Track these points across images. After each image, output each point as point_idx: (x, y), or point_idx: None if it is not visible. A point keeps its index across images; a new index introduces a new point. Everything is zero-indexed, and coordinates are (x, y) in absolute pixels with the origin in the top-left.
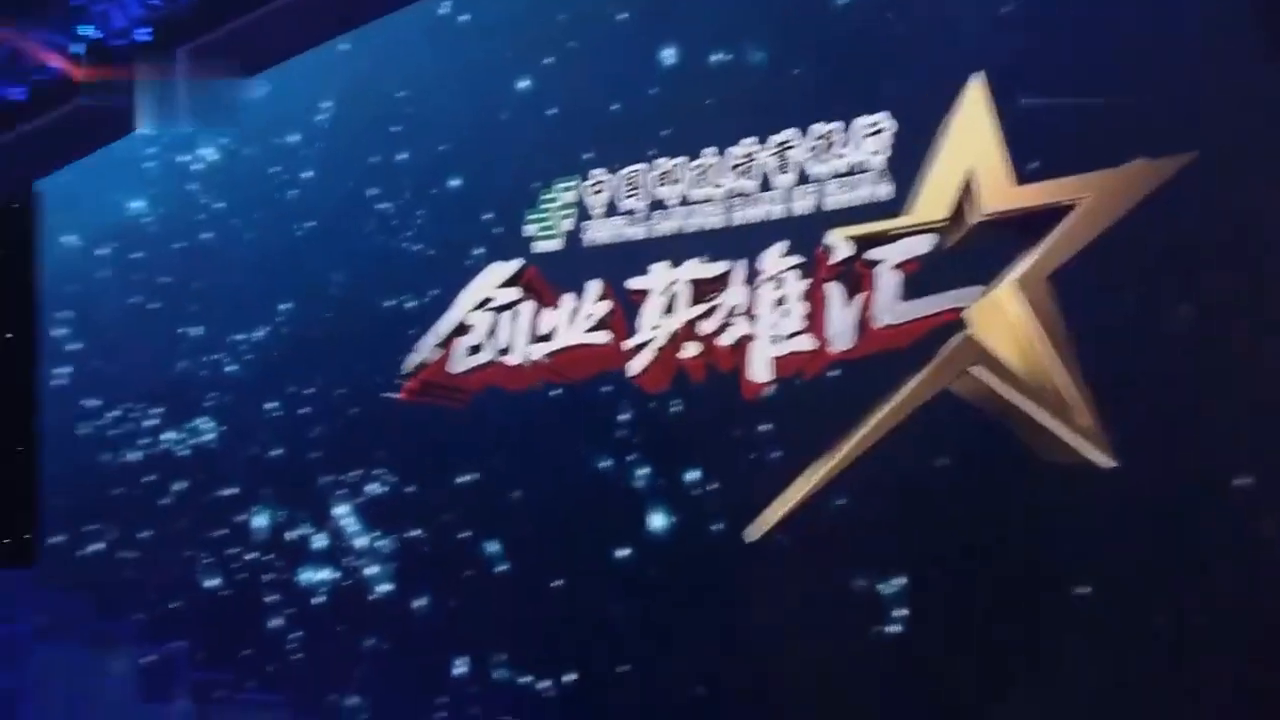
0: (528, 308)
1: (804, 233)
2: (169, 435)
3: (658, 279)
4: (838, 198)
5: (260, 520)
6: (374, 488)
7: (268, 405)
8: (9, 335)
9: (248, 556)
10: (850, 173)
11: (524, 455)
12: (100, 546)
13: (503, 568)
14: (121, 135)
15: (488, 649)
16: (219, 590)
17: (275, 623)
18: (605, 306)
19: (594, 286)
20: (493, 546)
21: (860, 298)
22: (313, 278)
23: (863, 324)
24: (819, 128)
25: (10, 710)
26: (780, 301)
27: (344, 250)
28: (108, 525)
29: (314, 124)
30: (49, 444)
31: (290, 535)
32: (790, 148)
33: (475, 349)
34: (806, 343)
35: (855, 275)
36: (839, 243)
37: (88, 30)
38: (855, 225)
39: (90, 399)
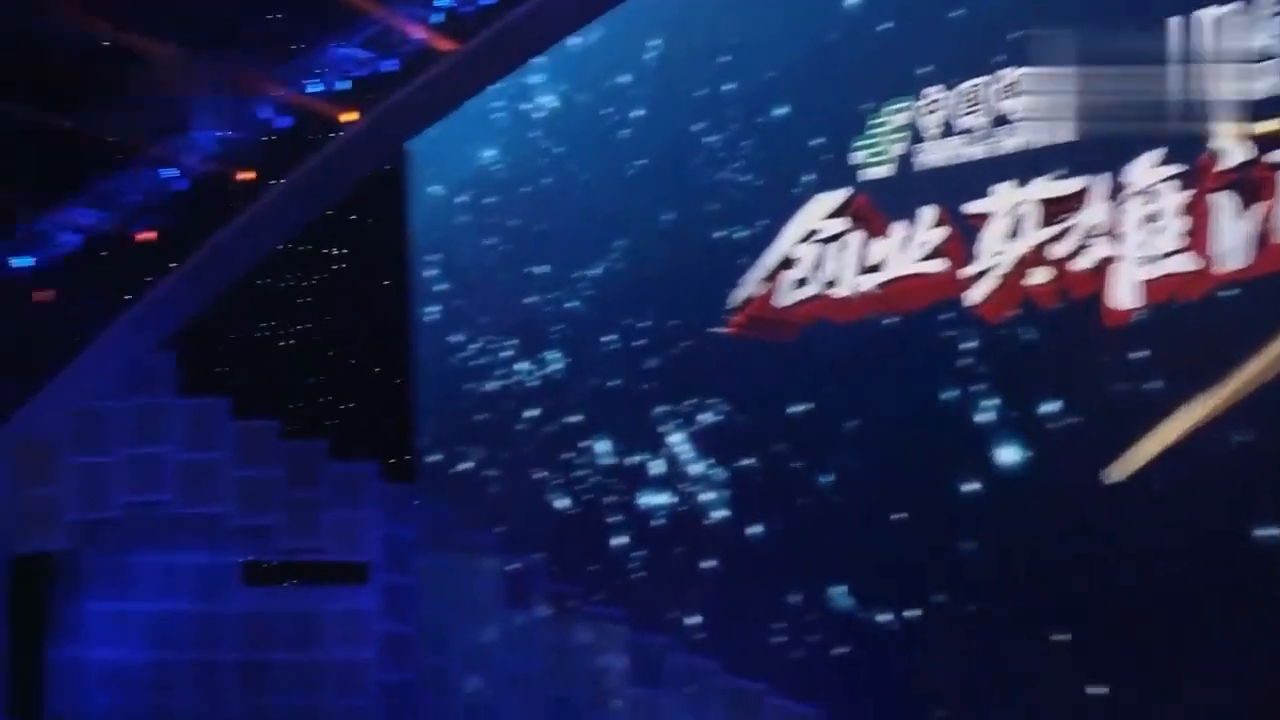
0: (856, 238)
1: (1183, 138)
2: (521, 366)
3: (1001, 201)
4: (1229, 91)
5: (602, 446)
6: (707, 417)
7: (606, 338)
8: (385, 282)
9: (592, 480)
10: (1247, 61)
11: (858, 386)
12: (469, 466)
13: (839, 498)
14: (477, 92)
15: (826, 578)
16: (568, 510)
17: (618, 542)
18: (941, 233)
19: (928, 213)
20: (828, 477)
21: (1260, 208)
22: (644, 214)
23: (1262, 238)
24: (1208, 13)
25: (401, 603)
26: (1152, 218)
27: (673, 185)
28: (473, 447)
29: (643, 63)
30: (423, 375)
31: (630, 461)
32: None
33: (801, 282)
34: (1186, 262)
35: (1253, 182)
36: (1233, 145)
37: (444, 0)
38: (1256, 123)
39: (455, 334)
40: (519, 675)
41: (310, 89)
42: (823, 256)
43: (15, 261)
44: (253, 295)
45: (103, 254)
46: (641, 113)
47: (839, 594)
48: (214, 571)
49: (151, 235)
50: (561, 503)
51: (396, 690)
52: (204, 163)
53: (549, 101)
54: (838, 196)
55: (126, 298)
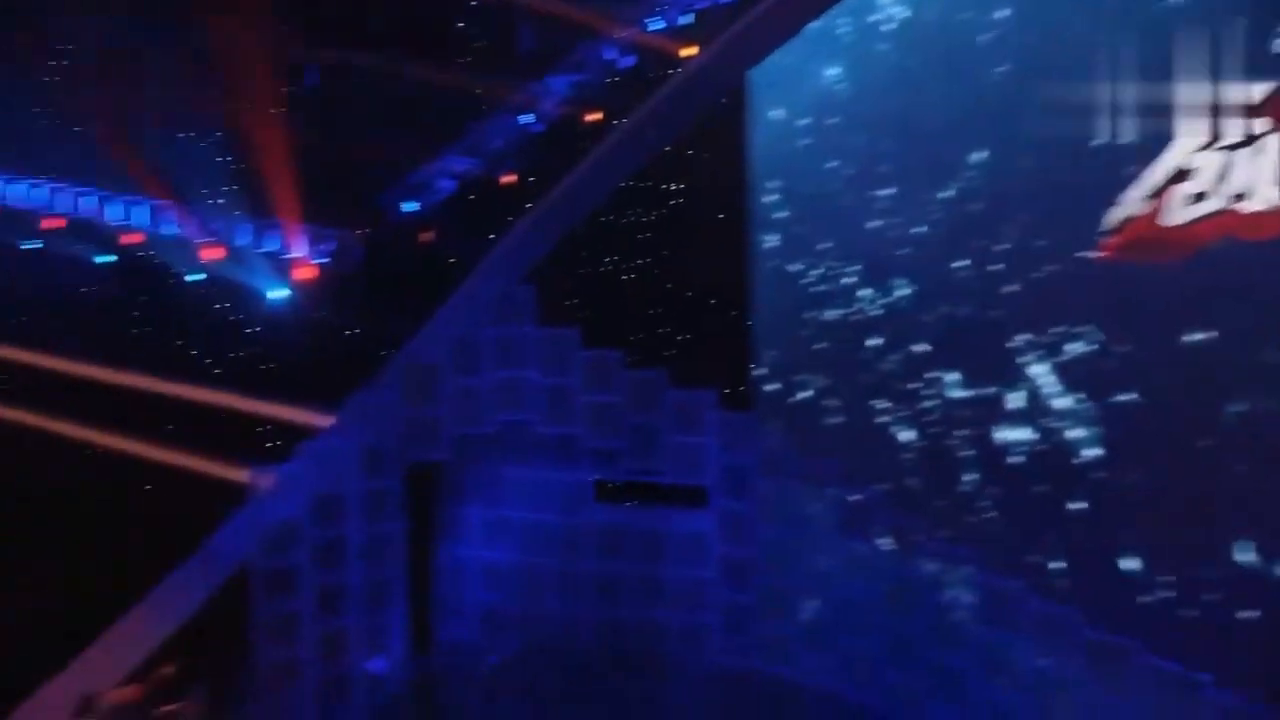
0: (1276, 141)
1: None
2: (864, 293)
3: None
4: None
5: (952, 378)
6: (1076, 347)
7: (957, 264)
8: (721, 215)
9: (940, 412)
10: None
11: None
12: (808, 395)
13: (1251, 441)
14: (821, 13)
15: (1230, 531)
16: (913, 442)
17: (969, 478)
18: None
19: None
20: (1234, 416)
21: None
22: (1006, 126)
23: None
24: None
25: (739, 527)
26: None
27: (1044, 91)
28: (813, 376)
29: None
30: (761, 304)
31: (983, 393)
32: None
33: (1199, 197)
34: None
35: None
36: None
37: None
38: None
39: (795, 262)
40: (858, 604)
41: (652, 26)
42: (1229, 165)
43: (404, 207)
44: (598, 232)
45: (471, 197)
46: (1006, 13)
47: (1246, 549)
48: (571, 487)
49: (513, 178)
50: (906, 435)
51: (736, 610)
52: (557, 107)
53: (899, 12)
54: (1255, 92)
55: (491, 237)
